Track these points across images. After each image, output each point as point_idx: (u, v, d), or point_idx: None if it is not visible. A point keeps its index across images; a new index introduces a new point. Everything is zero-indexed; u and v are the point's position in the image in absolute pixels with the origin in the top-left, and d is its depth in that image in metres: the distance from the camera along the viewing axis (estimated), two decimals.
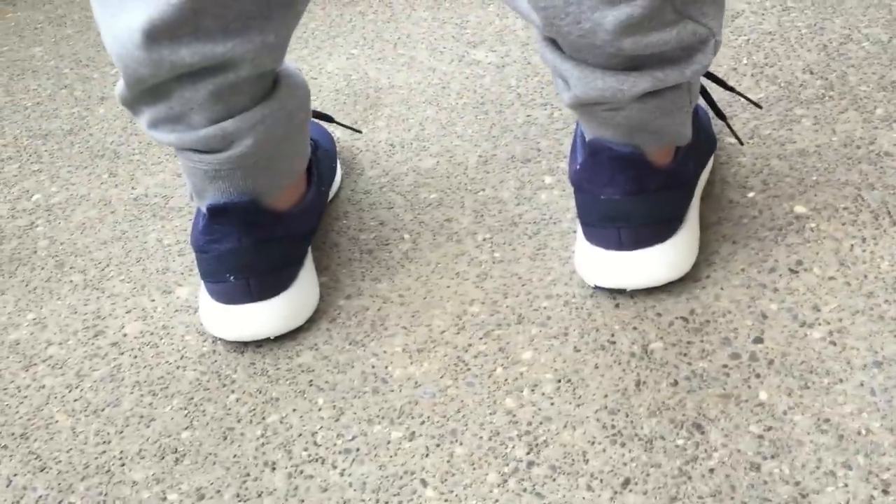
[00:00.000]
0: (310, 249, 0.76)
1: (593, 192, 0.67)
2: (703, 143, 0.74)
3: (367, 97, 0.99)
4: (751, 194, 0.78)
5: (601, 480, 0.58)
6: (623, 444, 0.60)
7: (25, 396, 0.71)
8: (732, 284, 0.69)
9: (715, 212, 0.76)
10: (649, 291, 0.70)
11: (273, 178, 0.69)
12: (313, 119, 0.90)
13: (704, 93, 0.75)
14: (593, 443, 0.60)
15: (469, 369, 0.67)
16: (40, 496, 0.63)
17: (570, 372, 0.65)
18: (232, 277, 0.68)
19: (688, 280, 0.70)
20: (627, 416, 0.61)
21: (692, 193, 0.71)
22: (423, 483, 0.60)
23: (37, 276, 0.84)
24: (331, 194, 0.85)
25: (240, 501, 0.61)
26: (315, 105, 1.00)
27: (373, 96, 0.98)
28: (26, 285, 0.83)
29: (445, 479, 0.60)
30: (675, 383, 0.63)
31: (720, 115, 0.76)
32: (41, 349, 0.75)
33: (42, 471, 0.65)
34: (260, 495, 0.61)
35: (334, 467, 0.62)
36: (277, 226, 0.70)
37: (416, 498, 0.59)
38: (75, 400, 0.70)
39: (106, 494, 0.62)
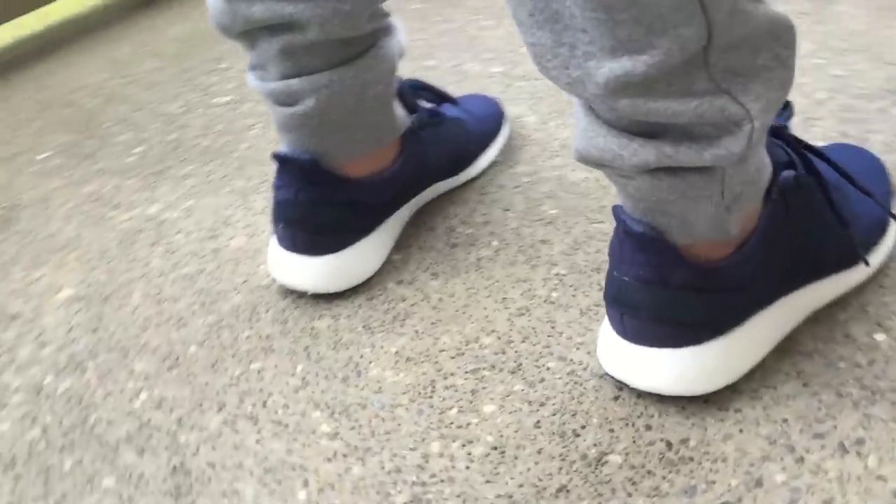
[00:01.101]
0: (390, 222, 0.76)
1: (612, 263, 0.57)
2: (813, 258, 0.59)
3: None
4: (879, 337, 0.61)
5: None
6: None
7: (133, 262, 0.82)
8: (757, 432, 0.56)
9: (815, 340, 0.61)
10: (660, 398, 0.59)
11: (342, 144, 0.70)
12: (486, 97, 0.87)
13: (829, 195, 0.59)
14: None
15: (431, 397, 0.63)
16: (102, 363, 0.73)
17: (511, 445, 0.58)
18: (281, 225, 0.71)
19: (714, 403, 0.58)
20: None
21: (751, 306, 0.57)
22: (305, 483, 0.58)
23: (218, 170, 0.94)
24: (469, 175, 0.83)
25: (179, 426, 0.65)
26: (513, 94, 0.96)
27: (565, 98, 0.92)
28: (207, 176, 0.94)
29: (324, 490, 0.58)
30: None
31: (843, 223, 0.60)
32: (170, 233, 0.85)
33: (94, 331, 0.75)
34: (193, 428, 0.64)
35: (258, 433, 0.63)
36: (340, 191, 0.71)
37: (289, 494, 0.58)
38: (157, 284, 0.79)
39: (110, 370, 0.70)
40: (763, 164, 0.55)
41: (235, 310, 0.74)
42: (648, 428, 0.57)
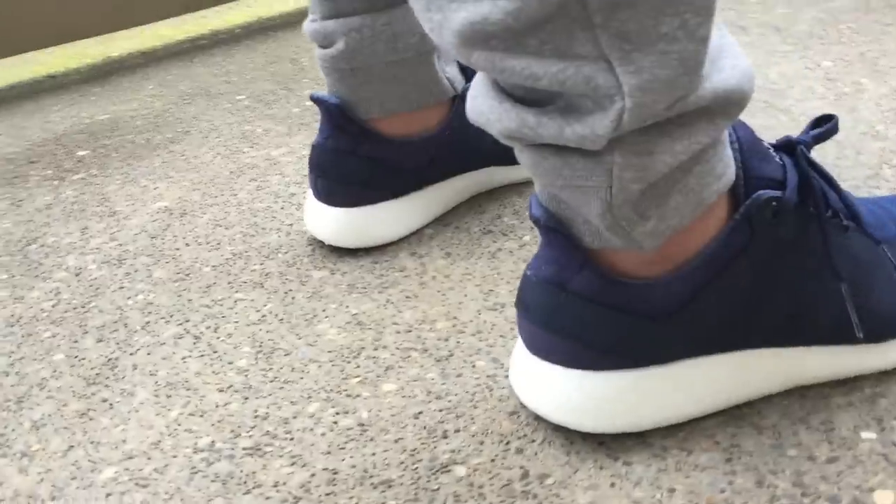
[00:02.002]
0: (428, 192, 0.72)
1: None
2: (795, 313, 0.46)
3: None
4: (866, 435, 0.45)
5: None
6: None
7: (226, 190, 0.86)
8: (628, 494, 0.44)
9: (781, 415, 0.47)
10: (556, 426, 0.49)
11: (374, 97, 0.67)
12: None
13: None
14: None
15: (349, 362, 0.58)
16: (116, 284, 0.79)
17: (378, 426, 0.52)
18: (310, 169, 0.70)
19: (610, 447, 0.47)
20: None
21: (685, 344, 0.46)
22: (185, 405, 0.57)
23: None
24: None
25: (142, 328, 0.67)
26: None
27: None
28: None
29: (193, 416, 0.56)
30: None
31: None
32: (271, 174, 0.89)
33: (152, 238, 0.80)
34: (150, 333, 0.66)
35: (189, 351, 0.62)
36: (366, 144, 0.68)
37: (165, 410, 0.57)
38: (226, 211, 0.82)
39: (136, 271, 0.75)
40: (709, 171, 0.44)
41: (263, 246, 0.75)
42: (519, 451, 0.48)
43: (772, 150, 0.47)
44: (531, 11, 0.37)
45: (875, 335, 0.47)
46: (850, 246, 0.46)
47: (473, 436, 0.50)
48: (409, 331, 0.60)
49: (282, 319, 0.64)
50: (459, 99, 0.70)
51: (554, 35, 0.38)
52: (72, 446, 0.54)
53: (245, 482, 0.49)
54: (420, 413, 0.52)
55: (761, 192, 0.45)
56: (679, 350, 0.46)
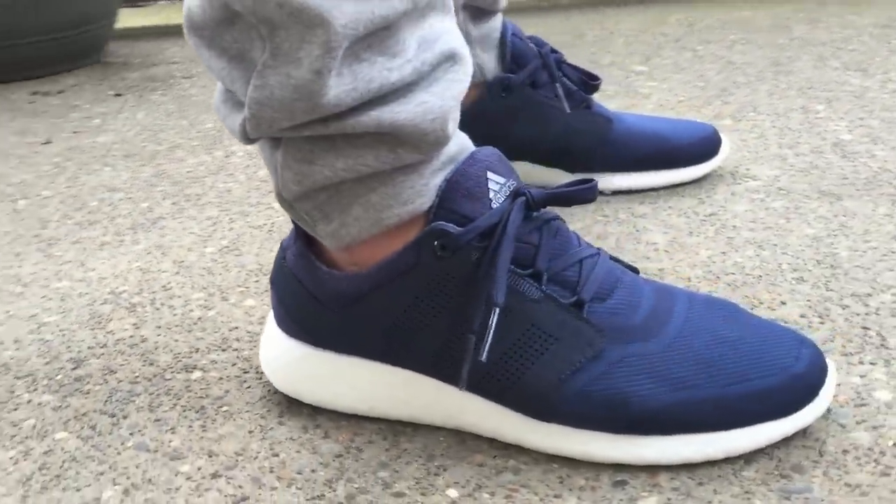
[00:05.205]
0: None
1: None
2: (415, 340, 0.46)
3: None
4: (452, 493, 0.45)
5: None
6: None
7: None
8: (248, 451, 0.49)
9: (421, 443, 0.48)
10: (287, 401, 0.55)
11: None
12: None
13: None
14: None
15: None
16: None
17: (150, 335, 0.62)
18: None
19: (291, 416, 0.52)
20: None
21: (351, 342, 0.49)
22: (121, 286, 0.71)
23: None
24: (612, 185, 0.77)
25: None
26: None
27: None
28: None
29: (99, 282, 0.70)
30: None
31: None
32: None
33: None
34: (155, 211, 0.81)
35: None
36: None
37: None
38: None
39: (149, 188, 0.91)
40: (395, 195, 0.45)
41: None
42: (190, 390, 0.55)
43: (493, 194, 0.46)
44: (215, 13, 0.43)
45: (533, 411, 0.45)
46: (530, 311, 0.45)
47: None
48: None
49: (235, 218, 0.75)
50: (486, 86, 0.74)
51: (240, 37, 0.44)
52: None
53: None
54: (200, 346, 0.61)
55: (438, 223, 0.45)
56: (351, 345, 0.48)
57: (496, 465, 0.46)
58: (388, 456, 0.47)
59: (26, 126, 1.21)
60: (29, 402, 0.55)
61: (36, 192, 0.94)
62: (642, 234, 0.70)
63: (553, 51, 0.76)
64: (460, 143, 0.48)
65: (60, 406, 0.54)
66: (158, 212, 0.84)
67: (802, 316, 0.57)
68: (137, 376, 0.57)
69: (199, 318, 0.63)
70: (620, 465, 0.45)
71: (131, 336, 0.62)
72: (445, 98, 0.44)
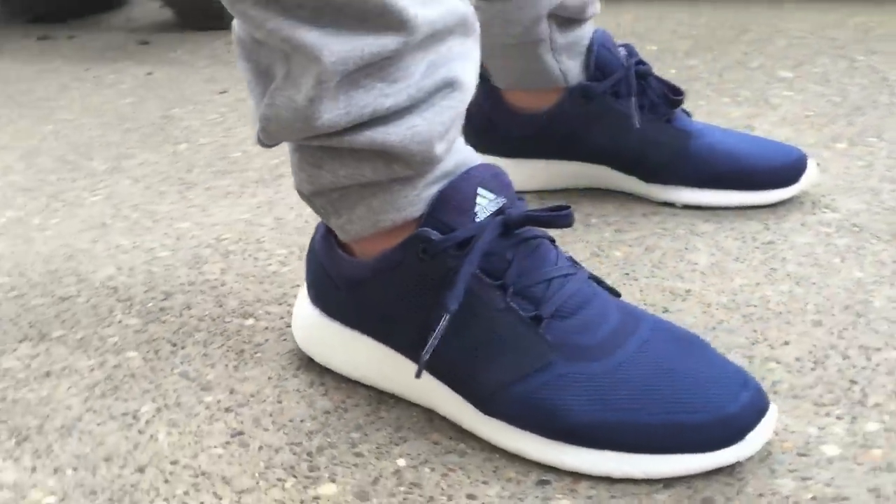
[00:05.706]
0: (523, 167, 0.82)
1: None
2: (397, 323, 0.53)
3: None
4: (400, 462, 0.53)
5: None
6: None
7: None
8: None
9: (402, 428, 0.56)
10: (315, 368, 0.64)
11: (496, 70, 0.80)
12: None
13: None
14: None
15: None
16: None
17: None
18: None
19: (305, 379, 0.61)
20: None
21: (353, 319, 0.57)
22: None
23: None
24: (661, 197, 0.81)
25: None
26: None
27: None
28: None
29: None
30: None
31: None
32: None
33: None
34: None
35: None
36: (488, 102, 0.81)
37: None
38: None
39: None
40: (392, 202, 0.52)
41: None
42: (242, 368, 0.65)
43: (479, 209, 0.52)
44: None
45: (482, 405, 0.51)
46: (493, 318, 0.50)
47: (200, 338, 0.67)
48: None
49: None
50: (567, 91, 0.79)
51: (269, 54, 0.51)
52: None
53: None
54: (221, 305, 0.71)
55: (423, 229, 0.52)
56: (354, 321, 0.56)
57: (448, 445, 0.53)
58: (365, 420, 0.55)
59: (214, 74, 1.37)
60: (119, 322, 0.68)
61: (196, 139, 1.08)
62: (689, 253, 0.72)
63: (640, 62, 0.78)
64: (460, 159, 0.54)
65: (140, 330, 0.66)
66: (282, 170, 0.95)
67: (797, 359, 0.59)
68: (206, 315, 0.68)
69: (274, 272, 0.73)
70: (550, 467, 0.50)
71: (216, 279, 0.73)
72: (434, 123, 0.50)
